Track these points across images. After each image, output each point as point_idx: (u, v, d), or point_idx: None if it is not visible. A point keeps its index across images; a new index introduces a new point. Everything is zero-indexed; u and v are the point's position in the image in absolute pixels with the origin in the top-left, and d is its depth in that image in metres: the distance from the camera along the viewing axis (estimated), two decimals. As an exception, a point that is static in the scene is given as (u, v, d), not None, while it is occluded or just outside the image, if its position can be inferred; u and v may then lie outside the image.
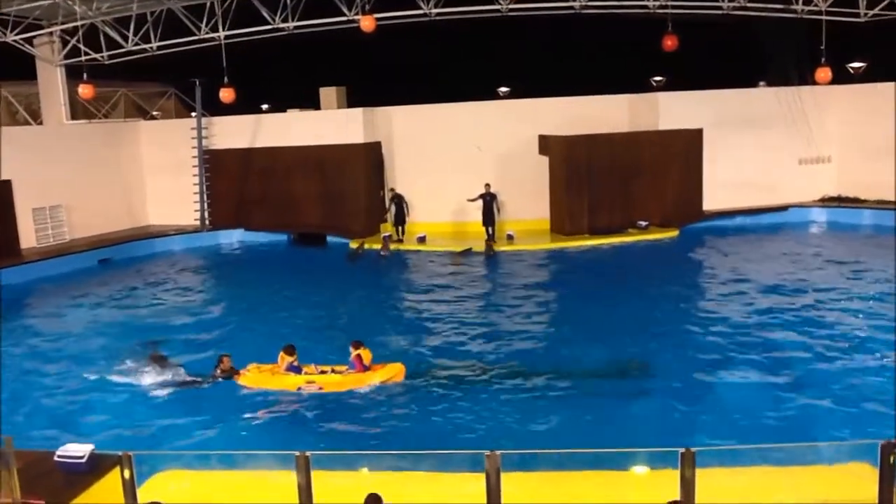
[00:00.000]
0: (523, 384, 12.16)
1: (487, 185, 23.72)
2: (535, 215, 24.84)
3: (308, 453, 6.67)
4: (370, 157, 25.62)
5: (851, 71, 26.90)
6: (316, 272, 21.92)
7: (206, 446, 10.05)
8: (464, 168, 25.21)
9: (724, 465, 8.13)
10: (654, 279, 19.17)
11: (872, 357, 12.82)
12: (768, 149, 25.72)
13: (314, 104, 27.65)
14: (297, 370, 12.49)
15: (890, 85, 25.35)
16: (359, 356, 12.46)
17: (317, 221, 25.78)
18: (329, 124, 25.69)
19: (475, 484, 6.61)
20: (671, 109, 24.98)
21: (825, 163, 26.34)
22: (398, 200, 24.36)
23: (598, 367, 12.63)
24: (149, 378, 12.78)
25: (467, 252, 22.66)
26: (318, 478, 6.81)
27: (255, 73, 27.59)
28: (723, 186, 24.88)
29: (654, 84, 29.65)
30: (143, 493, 7.21)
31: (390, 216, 24.51)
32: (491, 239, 23.48)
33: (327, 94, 27.29)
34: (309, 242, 25.54)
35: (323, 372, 12.52)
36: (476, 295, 18.60)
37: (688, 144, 24.44)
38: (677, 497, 6.44)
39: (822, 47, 22.58)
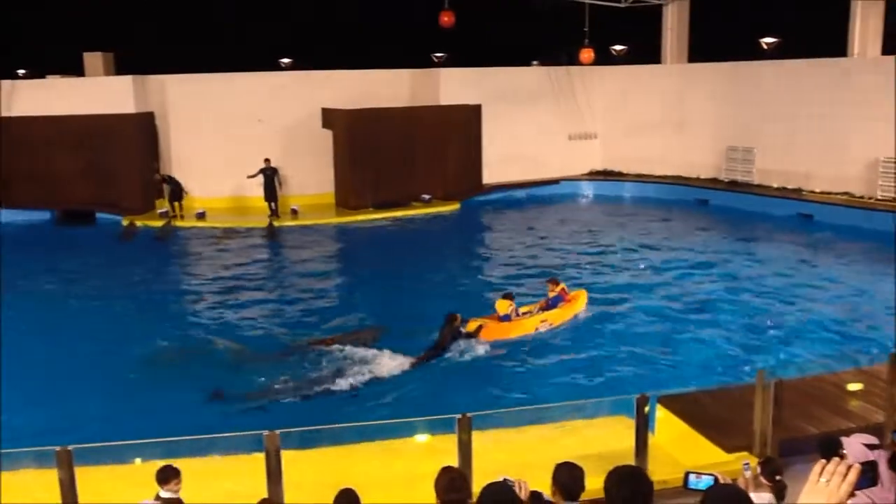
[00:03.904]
0: (299, 358, 12.06)
1: (267, 160, 23.07)
2: (319, 189, 24.58)
3: (70, 447, 6.22)
4: (142, 128, 24.11)
5: (614, 53, 28.85)
6: (85, 254, 20.35)
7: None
8: (245, 141, 24.33)
9: (500, 426, 8.52)
10: (435, 251, 19.72)
11: (636, 316, 13.96)
12: (541, 125, 27.04)
13: (78, 71, 25.54)
14: (517, 314, 12.94)
15: (646, 67, 27.53)
16: (563, 289, 13.38)
17: (85, 198, 23.88)
18: (95, 93, 23.83)
19: (253, 464, 6.45)
20: (451, 85, 25.55)
21: (592, 139, 28.14)
22: (170, 179, 23.24)
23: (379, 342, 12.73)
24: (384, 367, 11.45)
25: (234, 230, 21.83)
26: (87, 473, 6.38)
27: (9, 35, 25.02)
28: (500, 161, 25.87)
29: (435, 60, 30.20)
30: None
31: (166, 193, 23.35)
32: (274, 214, 22.96)
33: (92, 59, 25.30)
34: (75, 221, 23.62)
35: (527, 313, 13.12)
36: (257, 271, 18.23)
37: (467, 120, 25.16)
38: (455, 463, 6.63)
39: (586, 29, 24.07)
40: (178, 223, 22.63)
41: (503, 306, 12.78)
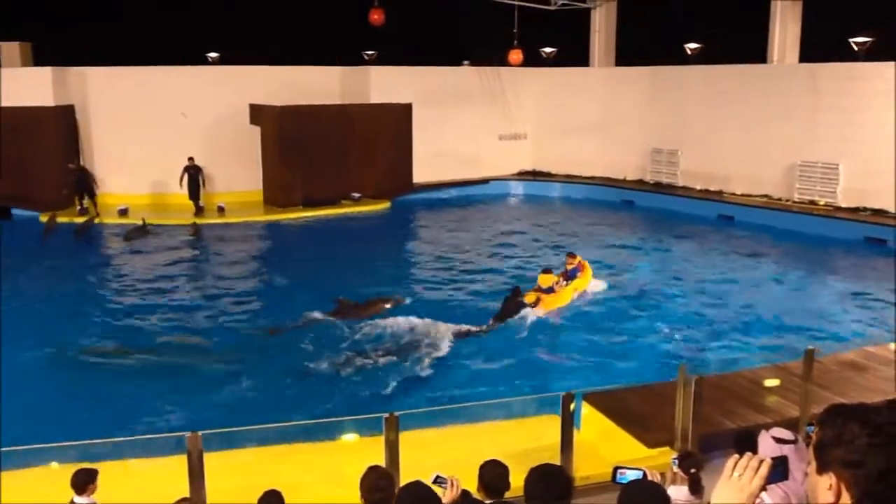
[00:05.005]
0: (221, 361, 11.87)
1: (191, 159, 22.54)
2: (247, 187, 24.17)
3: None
4: (62, 122, 23.31)
5: (544, 55, 29.15)
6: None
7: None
8: (169, 136, 23.76)
9: (429, 426, 8.53)
10: (368, 250, 19.62)
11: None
12: (472, 125, 27.14)
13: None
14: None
15: (574, 69, 27.91)
16: (580, 263, 14.73)
17: (0, 192, 22.92)
18: (11, 84, 22.86)
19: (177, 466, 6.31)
20: (382, 83, 25.47)
21: (522, 139, 28.40)
22: (82, 173, 22.53)
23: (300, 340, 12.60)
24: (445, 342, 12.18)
25: (143, 227, 21.20)
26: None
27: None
28: (431, 160, 25.85)
29: (366, 57, 30.00)
30: None
31: (73, 187, 22.49)
32: (200, 212, 22.48)
33: (9, 50, 24.36)
34: (-10, 216, 22.68)
35: (557, 284, 14.17)
36: (183, 269, 17.86)
37: (398, 118, 25.09)
38: (383, 462, 6.61)
39: (515, 30, 24.27)
40: (100, 219, 21.96)
41: (547, 280, 13.92)
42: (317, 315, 13.37)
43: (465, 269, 17.57)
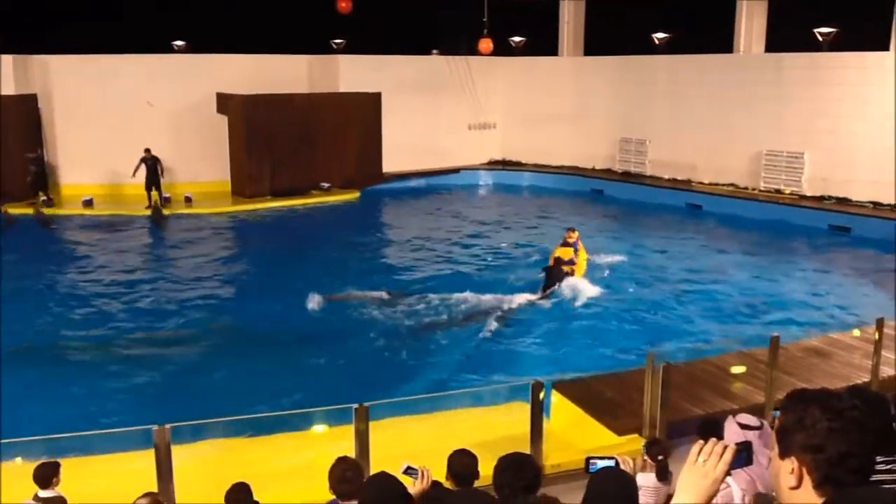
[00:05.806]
0: (198, 352, 11.80)
1: (147, 150, 22.05)
2: (214, 177, 23.90)
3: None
4: (23, 111, 22.88)
5: (513, 44, 29.15)
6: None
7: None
8: (135, 126, 23.34)
9: (400, 415, 8.53)
10: (341, 239, 19.57)
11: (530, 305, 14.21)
12: (441, 114, 27.10)
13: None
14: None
15: (543, 59, 27.96)
16: (577, 237, 15.56)
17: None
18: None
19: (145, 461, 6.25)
20: (351, 72, 25.34)
21: (491, 129, 28.41)
22: (38, 162, 22.16)
23: (273, 331, 12.59)
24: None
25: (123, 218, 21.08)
26: None
27: None
28: (400, 149, 25.72)
29: (334, 46, 29.78)
30: None
31: (29, 179, 22.10)
32: (166, 202, 22.19)
33: (-32, 37, 23.87)
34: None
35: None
36: (151, 262, 17.66)
37: (367, 107, 24.95)
38: (352, 453, 6.60)
39: (485, 19, 24.23)
40: (60, 210, 21.63)
41: (567, 252, 15.06)
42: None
43: (439, 257, 17.57)
